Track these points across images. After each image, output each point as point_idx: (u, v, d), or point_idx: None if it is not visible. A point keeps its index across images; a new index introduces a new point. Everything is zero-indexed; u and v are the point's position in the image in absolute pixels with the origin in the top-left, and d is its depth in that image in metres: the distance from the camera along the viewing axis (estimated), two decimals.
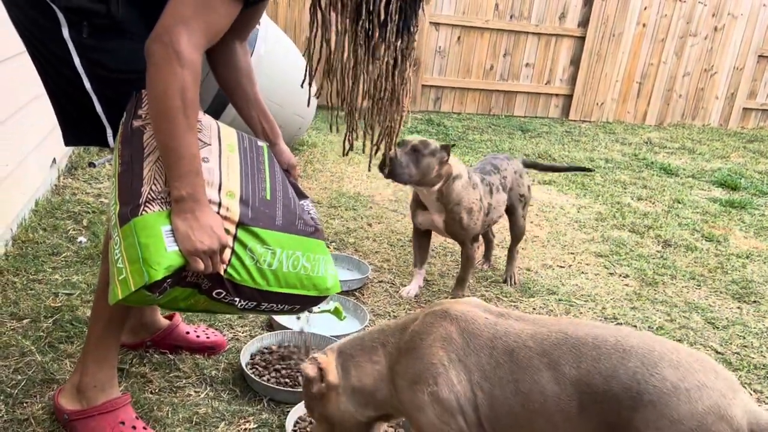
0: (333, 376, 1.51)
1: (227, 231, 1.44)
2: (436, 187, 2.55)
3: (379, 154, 1.86)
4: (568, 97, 7.73)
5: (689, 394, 1.15)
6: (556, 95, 7.73)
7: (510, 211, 2.97)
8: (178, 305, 1.53)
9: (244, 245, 1.47)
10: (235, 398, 1.90)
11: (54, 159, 3.28)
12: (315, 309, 1.79)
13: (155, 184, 1.40)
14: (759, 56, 8.11)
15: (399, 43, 1.54)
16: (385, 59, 1.55)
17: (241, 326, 2.30)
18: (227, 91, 1.78)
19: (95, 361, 1.69)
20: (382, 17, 1.50)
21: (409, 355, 1.42)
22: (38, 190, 3.06)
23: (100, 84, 1.54)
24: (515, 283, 2.99)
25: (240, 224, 1.48)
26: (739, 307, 3.03)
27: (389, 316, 2.56)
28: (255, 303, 1.55)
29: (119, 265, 1.36)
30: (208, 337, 2.13)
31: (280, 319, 2.30)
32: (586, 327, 1.31)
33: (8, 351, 1.96)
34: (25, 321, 2.12)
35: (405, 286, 2.81)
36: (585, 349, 1.27)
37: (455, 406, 1.34)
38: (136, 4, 1.52)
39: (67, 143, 1.69)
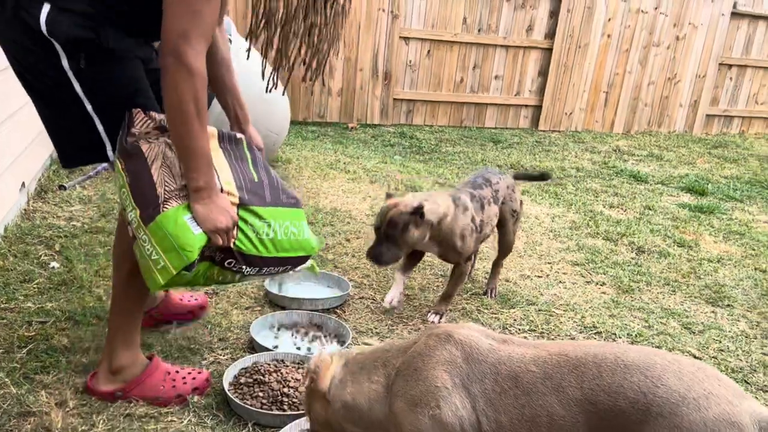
0: (323, 382, 1.52)
1: None
2: (426, 238, 2.56)
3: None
4: (538, 108, 7.84)
5: (698, 403, 1.16)
6: (526, 106, 7.83)
7: (501, 224, 2.95)
8: (199, 280, 1.74)
9: (245, 221, 1.74)
10: (219, 423, 1.87)
11: (23, 183, 3.20)
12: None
13: (167, 185, 1.65)
14: (719, 64, 8.34)
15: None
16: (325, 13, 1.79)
17: (222, 349, 2.26)
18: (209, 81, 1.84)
19: (123, 345, 1.90)
20: None
21: (411, 376, 1.41)
22: (7, 216, 2.98)
23: (99, 106, 1.71)
24: (495, 296, 3.00)
25: (240, 205, 1.74)
26: (713, 312, 3.08)
27: (372, 332, 2.55)
28: (258, 268, 1.80)
29: (154, 257, 1.61)
30: (196, 300, 2.45)
31: (260, 339, 2.28)
32: (584, 347, 1.32)
33: None
34: None
35: None
36: (586, 368, 1.28)
37: (457, 429, 1.33)
38: (122, 26, 1.69)
39: (65, 165, 1.87)
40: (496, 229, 2.97)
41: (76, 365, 2.03)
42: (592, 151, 6.92)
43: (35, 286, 2.51)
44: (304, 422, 1.80)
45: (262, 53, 1.91)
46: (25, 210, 3.23)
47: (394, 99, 7.19)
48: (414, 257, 2.79)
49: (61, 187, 3.60)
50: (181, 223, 1.61)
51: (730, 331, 2.88)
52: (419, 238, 2.52)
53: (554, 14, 7.53)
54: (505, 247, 3.04)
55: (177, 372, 1.97)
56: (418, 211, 2.46)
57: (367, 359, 1.55)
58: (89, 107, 1.70)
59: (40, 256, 2.78)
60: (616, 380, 1.24)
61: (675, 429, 1.16)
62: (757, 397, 2.35)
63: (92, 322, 2.29)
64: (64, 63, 1.64)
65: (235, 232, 1.71)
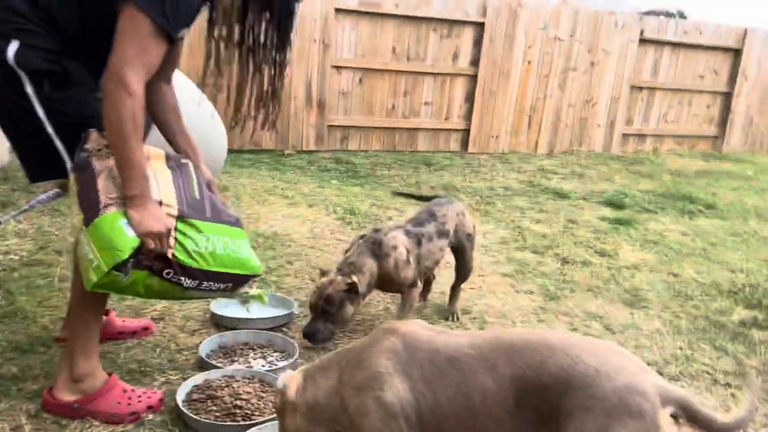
0: (291, 392, 1.63)
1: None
2: (359, 307, 2.72)
3: None
4: (466, 132, 8.18)
5: (609, 375, 1.35)
6: (455, 130, 8.16)
7: (458, 251, 3.07)
8: (138, 289, 1.86)
9: (184, 233, 1.87)
10: None
11: None
12: (242, 294, 2.11)
13: (108, 194, 1.82)
14: (631, 87, 8.95)
15: (277, 57, 2.05)
16: (267, 71, 2.07)
17: (172, 370, 2.33)
18: (158, 124, 2.09)
19: (83, 354, 2.00)
20: (261, 41, 2.02)
21: (357, 365, 1.56)
22: None
23: (59, 127, 1.90)
24: (458, 319, 3.06)
25: (179, 217, 1.88)
26: (631, 313, 3.36)
27: (318, 348, 2.66)
28: (198, 281, 1.91)
29: (90, 257, 1.77)
30: (140, 322, 2.57)
31: (211, 358, 2.36)
32: (515, 332, 1.51)
33: None
34: None
35: None
36: (516, 349, 1.46)
37: (398, 410, 1.48)
38: (80, 60, 1.91)
39: (32, 180, 2.05)
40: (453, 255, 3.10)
41: (28, 392, 2.06)
42: (518, 171, 7.29)
43: None
44: (257, 431, 1.90)
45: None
46: None
47: (329, 126, 7.36)
48: None
49: None
50: (117, 227, 1.78)
51: (645, 330, 3.15)
52: (353, 312, 2.66)
53: (478, 43, 7.93)
54: (463, 272, 3.13)
55: (133, 391, 2.04)
56: (352, 289, 2.58)
57: (323, 362, 1.68)
58: (49, 128, 1.89)
59: None
60: (541, 359, 1.42)
61: (590, 398, 1.34)
62: None
63: (39, 350, 2.31)
64: (28, 89, 1.84)
65: (171, 241, 1.84)
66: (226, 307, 2.79)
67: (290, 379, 1.67)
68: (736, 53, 9.47)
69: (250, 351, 2.49)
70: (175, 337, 2.57)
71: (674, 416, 1.37)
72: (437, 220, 2.95)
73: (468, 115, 8.14)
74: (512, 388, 1.43)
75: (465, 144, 8.21)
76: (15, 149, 2.02)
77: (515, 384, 1.43)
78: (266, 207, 4.74)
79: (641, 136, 9.34)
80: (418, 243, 2.82)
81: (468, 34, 7.89)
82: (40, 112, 1.86)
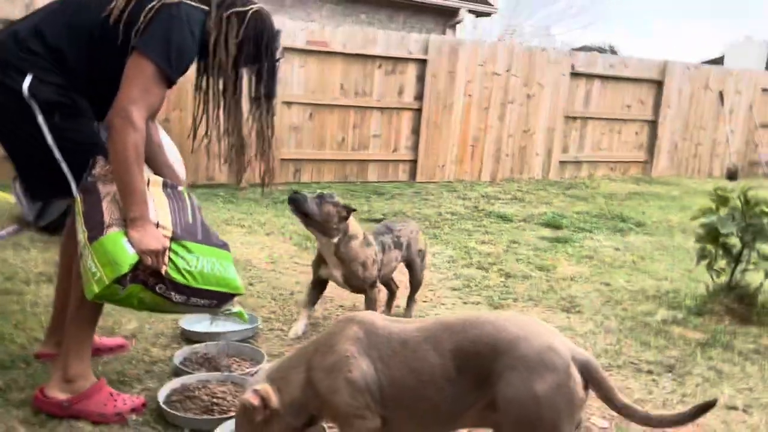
0: (274, 401, 1.80)
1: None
2: (335, 240, 2.95)
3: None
4: (414, 162, 8.57)
5: (528, 339, 1.65)
6: (403, 161, 8.54)
7: (409, 264, 3.42)
8: (132, 301, 2.06)
9: (176, 253, 2.08)
10: None
11: None
12: (225, 311, 2.32)
13: (112, 215, 2.04)
14: (566, 117, 9.56)
15: (266, 107, 2.35)
16: (258, 118, 2.35)
17: (150, 379, 2.51)
18: (147, 160, 2.27)
19: (76, 357, 2.18)
20: (253, 93, 2.33)
21: (325, 352, 1.80)
22: None
23: (66, 152, 2.12)
24: None
25: (173, 239, 2.09)
26: (567, 317, 3.69)
27: (284, 355, 2.87)
28: (185, 297, 2.11)
29: (93, 270, 1.98)
30: (115, 341, 2.75)
31: (185, 366, 2.55)
32: (454, 316, 1.79)
33: None
34: None
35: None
36: (456, 327, 1.76)
37: (363, 386, 1.74)
38: (88, 95, 2.17)
39: (37, 199, 2.41)
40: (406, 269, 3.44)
41: (15, 401, 2.21)
42: (464, 198, 7.68)
43: None
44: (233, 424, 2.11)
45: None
46: None
47: (282, 159, 7.61)
48: (318, 289, 3.18)
49: None
50: (119, 244, 1.99)
51: (580, 330, 3.47)
52: (333, 225, 2.91)
53: (421, 79, 8.39)
54: (416, 283, 3.49)
55: (118, 395, 2.22)
56: (349, 210, 2.95)
57: (285, 363, 1.90)
58: (57, 154, 2.10)
59: None
60: (475, 332, 1.71)
61: (514, 359, 1.63)
62: None
63: (21, 366, 2.45)
64: (39, 118, 2.06)
65: (165, 259, 2.04)
66: (195, 323, 2.98)
67: (263, 391, 1.81)
68: (659, 84, 10.24)
69: (221, 360, 2.69)
70: (149, 351, 2.75)
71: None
72: (392, 233, 3.28)
73: (415, 147, 8.54)
74: (453, 359, 1.71)
75: (413, 173, 8.58)
76: (21, 173, 2.23)
77: (455, 355, 1.71)
78: (224, 236, 4.84)
79: (577, 163, 9.93)
80: (383, 249, 3.16)
81: (411, 71, 8.34)
82: (50, 139, 2.07)
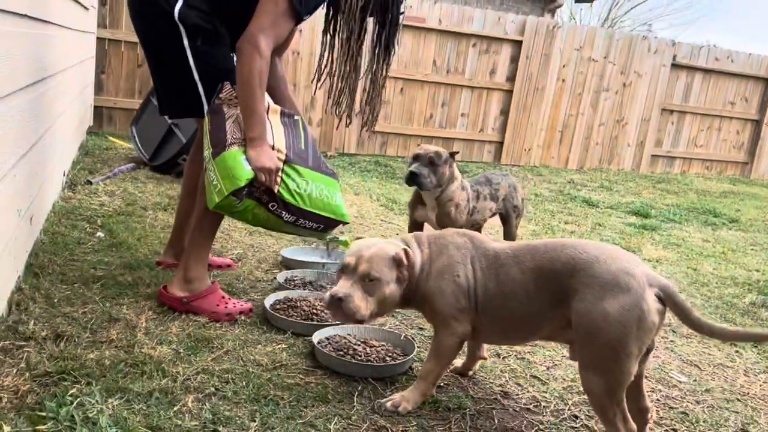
0: (416, 267, 1.97)
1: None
2: (443, 187, 3.11)
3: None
4: (500, 144, 8.58)
5: (607, 261, 1.74)
6: (489, 142, 8.57)
7: (505, 219, 3.54)
8: (247, 216, 2.29)
9: (288, 175, 2.30)
10: (263, 333, 2.36)
11: (64, 171, 3.66)
12: (330, 240, 2.53)
13: (234, 135, 2.26)
14: (662, 110, 9.28)
15: (384, 59, 2.54)
16: (374, 68, 2.56)
17: (255, 293, 2.76)
18: (270, 90, 2.50)
19: (196, 261, 2.39)
20: (374, 43, 2.50)
21: (440, 255, 1.98)
22: (54, 196, 3.44)
23: (204, 75, 2.36)
24: None
25: (286, 161, 2.31)
26: None
27: None
28: (295, 217, 2.32)
29: (214, 183, 2.21)
30: (224, 260, 3.01)
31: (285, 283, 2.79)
32: (542, 240, 1.90)
33: (74, 302, 2.38)
34: (75, 285, 2.51)
35: None
36: (539, 249, 1.88)
37: (465, 289, 1.92)
38: (227, 23, 2.37)
39: (169, 114, 2.55)
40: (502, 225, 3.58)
41: (142, 294, 2.50)
42: (549, 182, 7.64)
43: (89, 247, 2.96)
44: (329, 330, 2.32)
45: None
46: (61, 196, 3.69)
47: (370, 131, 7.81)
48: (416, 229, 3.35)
49: (88, 182, 4.05)
50: (238, 160, 2.21)
51: None
52: (446, 178, 3.06)
53: (514, 59, 8.37)
54: (509, 237, 3.60)
55: (229, 299, 2.47)
56: (453, 154, 3.11)
57: (418, 238, 2.05)
58: (196, 75, 2.34)
59: (86, 228, 3.23)
60: (555, 253, 1.83)
61: (590, 277, 1.73)
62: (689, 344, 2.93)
63: (145, 269, 2.75)
64: (185, 41, 2.29)
65: (278, 179, 2.26)
66: (296, 253, 3.26)
67: (411, 255, 1.94)
68: (767, 82, 9.75)
69: (322, 281, 2.92)
70: (252, 273, 3.00)
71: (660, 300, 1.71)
72: (491, 186, 3.40)
73: (502, 128, 8.54)
74: (533, 277, 1.84)
75: (498, 155, 8.60)
76: (159, 90, 2.49)
77: (535, 273, 1.84)
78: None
79: (670, 158, 9.63)
80: (477, 197, 3.30)
81: (505, 51, 8.33)
82: (192, 61, 2.31)
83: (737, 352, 2.87)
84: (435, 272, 1.97)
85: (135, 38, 2.68)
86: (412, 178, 3.02)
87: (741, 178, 9.94)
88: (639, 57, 8.92)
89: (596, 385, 1.72)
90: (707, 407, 2.27)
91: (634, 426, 1.75)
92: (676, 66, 9.15)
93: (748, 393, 2.43)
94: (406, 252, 1.94)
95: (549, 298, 1.82)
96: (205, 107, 2.38)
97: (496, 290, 1.90)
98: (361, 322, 1.92)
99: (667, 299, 1.71)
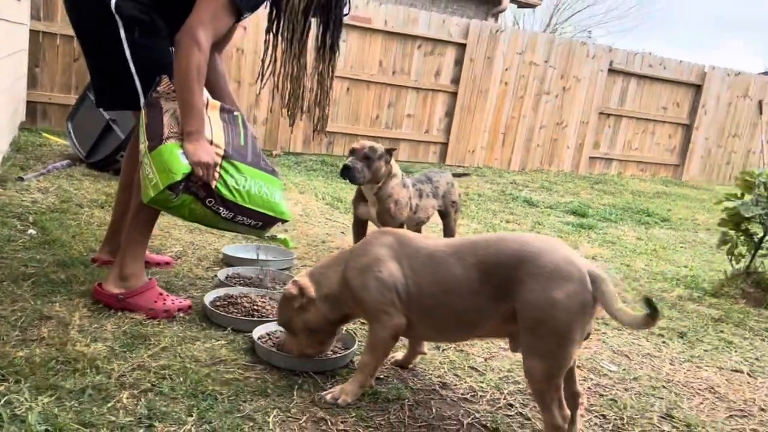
0: (311, 291, 2.05)
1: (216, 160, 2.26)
2: (380, 183, 3.14)
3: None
4: (445, 145, 8.71)
5: (549, 252, 1.80)
6: (434, 143, 8.68)
7: (443, 215, 3.62)
8: (183, 211, 2.25)
9: (226, 171, 2.27)
10: (202, 330, 2.33)
11: None
12: (269, 238, 2.52)
13: (171, 129, 2.23)
14: (600, 113, 9.61)
15: (327, 58, 2.53)
16: (320, 68, 2.53)
17: (194, 290, 2.72)
18: (209, 86, 2.47)
19: (132, 257, 2.34)
20: (319, 43, 2.50)
21: (361, 254, 2.00)
22: None
23: (140, 68, 2.33)
24: None
25: (224, 157, 2.28)
26: None
27: None
28: (233, 214, 2.30)
29: (150, 176, 2.18)
30: (162, 257, 2.97)
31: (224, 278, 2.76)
32: (480, 235, 1.95)
33: (2, 299, 2.31)
34: (4, 283, 2.42)
35: None
36: (480, 243, 1.92)
37: (391, 285, 1.93)
38: (165, 15, 2.34)
39: (104, 107, 2.52)
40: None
41: (77, 291, 2.43)
42: (492, 183, 7.80)
43: (20, 244, 2.86)
44: (271, 326, 2.32)
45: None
46: None
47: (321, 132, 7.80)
48: (359, 230, 3.38)
49: (20, 179, 3.91)
50: (175, 154, 2.18)
51: None
52: (382, 173, 3.10)
53: (459, 62, 8.51)
54: (448, 233, 3.68)
55: (167, 295, 2.43)
56: (390, 152, 3.14)
57: (326, 263, 2.12)
58: (133, 68, 2.30)
59: (16, 225, 3.12)
60: (499, 247, 1.87)
61: (536, 267, 1.78)
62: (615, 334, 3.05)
63: (80, 266, 2.68)
64: (122, 33, 2.26)
65: (216, 174, 2.24)
66: (237, 250, 3.22)
67: (302, 283, 2.07)
68: (697, 88, 10.22)
69: (263, 279, 2.89)
70: (192, 270, 2.96)
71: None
72: (432, 183, 3.47)
73: (447, 130, 8.67)
74: (476, 271, 1.87)
75: (443, 156, 8.72)
76: (97, 82, 2.45)
77: (478, 268, 1.87)
78: None
79: (607, 160, 9.97)
80: (419, 195, 3.36)
81: (450, 54, 8.46)
82: (128, 53, 2.28)
83: (664, 342, 3.00)
84: (357, 271, 1.99)
85: (71, 31, 2.60)
86: (345, 171, 3.07)
87: (673, 180, 10.38)
88: (578, 62, 9.20)
89: (539, 371, 1.77)
90: (635, 394, 2.37)
91: (568, 412, 1.82)
92: (612, 71, 9.49)
93: (673, 380, 2.55)
94: (297, 284, 2.07)
95: (493, 291, 1.85)
96: (142, 100, 2.35)
97: (433, 288, 1.92)
98: (305, 356, 2.13)
99: (594, 286, 1.78)
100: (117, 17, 2.25)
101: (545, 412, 1.80)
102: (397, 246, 1.99)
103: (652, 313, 1.71)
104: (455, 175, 4.42)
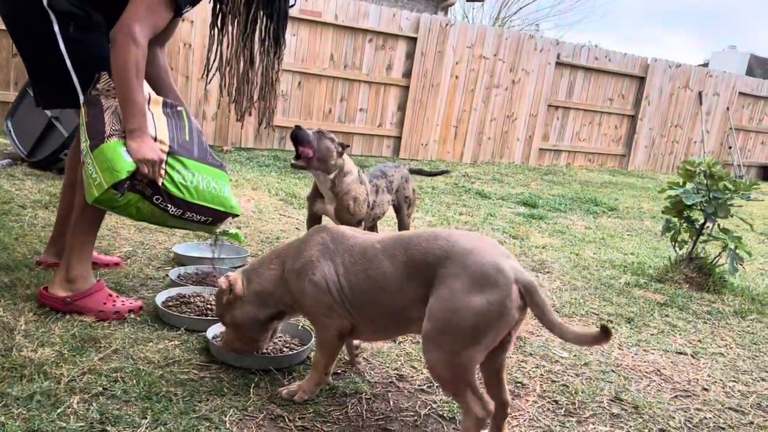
0: (239, 287, 2.03)
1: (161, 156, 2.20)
2: (331, 176, 3.10)
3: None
4: (398, 139, 8.74)
5: (476, 254, 1.74)
6: (388, 137, 8.71)
7: (397, 209, 3.62)
8: (131, 210, 2.20)
9: (173, 167, 2.23)
10: (154, 330, 2.29)
11: None
12: (220, 233, 2.48)
13: (113, 126, 2.17)
14: (548, 105, 9.80)
15: (273, 52, 2.47)
16: (265, 62, 2.47)
17: (145, 291, 2.66)
18: (151, 81, 2.42)
19: (78, 259, 2.27)
20: (263, 35, 2.44)
21: (295, 257, 1.98)
22: None
23: (77, 64, 2.25)
24: None
25: (169, 153, 2.24)
26: (536, 276, 3.91)
27: None
28: (181, 210, 2.26)
29: (93, 176, 2.12)
30: (111, 258, 2.90)
31: (176, 277, 2.71)
32: (412, 231, 1.94)
33: None
34: None
35: None
36: (411, 240, 1.87)
37: (325, 287, 1.91)
38: (102, 9, 2.27)
39: (43, 107, 2.40)
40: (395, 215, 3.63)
41: (22, 295, 2.35)
42: (445, 176, 7.87)
43: None
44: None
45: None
46: None
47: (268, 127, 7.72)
48: (313, 226, 3.35)
49: None
50: (118, 152, 2.12)
51: (548, 287, 3.69)
52: (331, 161, 3.04)
53: (410, 56, 8.54)
54: (402, 228, 3.69)
55: (117, 297, 2.38)
56: (343, 146, 3.11)
57: (260, 260, 2.09)
58: (69, 64, 2.22)
59: None
60: (428, 245, 1.82)
61: (460, 268, 1.72)
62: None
63: (24, 269, 2.59)
64: (55, 27, 2.17)
65: (162, 171, 2.19)
66: (188, 249, 3.15)
67: (232, 279, 2.04)
68: (641, 80, 10.54)
69: (216, 277, 2.85)
70: (143, 270, 2.90)
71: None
72: (386, 178, 3.47)
73: (400, 123, 8.70)
74: (405, 269, 1.83)
75: (397, 150, 8.76)
76: (34, 81, 2.35)
77: (407, 265, 1.83)
78: None
79: (556, 152, 10.19)
80: (376, 191, 3.35)
81: (401, 48, 8.49)
82: (63, 50, 2.20)
83: (613, 328, 3.10)
84: (294, 274, 1.97)
85: None
86: (295, 132, 2.99)
87: (619, 170, 10.69)
88: (527, 55, 9.36)
89: (441, 366, 1.73)
90: (585, 379, 2.45)
91: (490, 403, 1.76)
92: (560, 64, 9.69)
93: (621, 364, 2.64)
94: (227, 279, 2.07)
95: (420, 288, 1.81)
96: (81, 98, 2.28)
97: (365, 285, 1.88)
98: (235, 351, 2.13)
99: (527, 296, 1.73)
100: (50, 12, 2.16)
101: (459, 401, 1.77)
102: (332, 243, 1.96)
103: (603, 334, 1.69)
104: (436, 173, 4.48)
